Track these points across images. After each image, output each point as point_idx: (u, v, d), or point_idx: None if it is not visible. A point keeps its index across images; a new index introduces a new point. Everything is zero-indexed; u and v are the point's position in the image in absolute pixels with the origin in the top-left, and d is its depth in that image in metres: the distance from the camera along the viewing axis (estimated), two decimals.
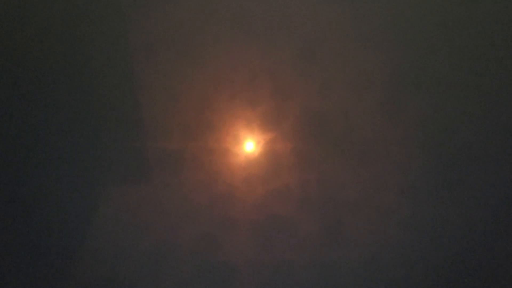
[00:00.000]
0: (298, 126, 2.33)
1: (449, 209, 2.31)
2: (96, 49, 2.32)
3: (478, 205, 2.31)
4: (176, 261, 2.30)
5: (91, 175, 2.29)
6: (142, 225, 2.30)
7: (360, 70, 2.31)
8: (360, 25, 2.28)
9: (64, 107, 2.30)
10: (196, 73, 2.32)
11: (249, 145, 2.33)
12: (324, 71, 2.32)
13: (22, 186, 2.28)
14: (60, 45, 2.32)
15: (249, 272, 2.27)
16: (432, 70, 2.30)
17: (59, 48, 2.32)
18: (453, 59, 2.30)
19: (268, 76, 2.32)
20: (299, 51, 2.31)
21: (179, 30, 2.32)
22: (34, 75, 2.31)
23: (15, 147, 2.29)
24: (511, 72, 2.32)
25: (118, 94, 2.31)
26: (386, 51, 2.30)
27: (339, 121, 2.32)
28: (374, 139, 2.32)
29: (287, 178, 2.32)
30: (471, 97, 2.30)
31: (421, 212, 2.31)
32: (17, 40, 2.30)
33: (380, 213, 2.32)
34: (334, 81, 2.32)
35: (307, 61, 2.31)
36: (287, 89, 2.32)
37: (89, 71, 2.32)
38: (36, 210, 2.28)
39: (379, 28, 2.29)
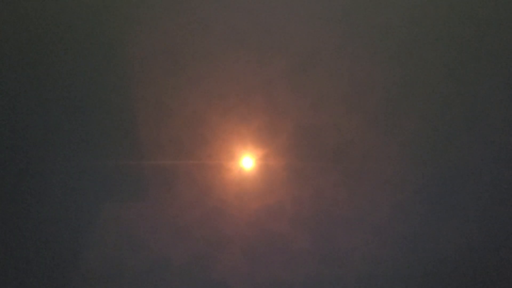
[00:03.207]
0: (291, 141, 2.31)
1: (444, 226, 2.29)
2: (88, 64, 2.30)
3: (474, 222, 2.30)
4: (168, 278, 2.28)
5: (81, 192, 2.27)
6: (134, 242, 2.28)
7: (353, 85, 2.29)
8: (354, 41, 2.26)
9: (51, 123, 2.28)
10: (189, 89, 2.30)
11: (242, 160, 2.32)
12: (317, 86, 2.30)
13: (11, 204, 2.27)
14: (51, 59, 2.30)
15: None
16: (426, 86, 2.28)
17: (50, 62, 2.30)
18: (448, 75, 2.28)
19: (261, 91, 2.30)
20: (292, 67, 2.29)
21: (172, 45, 2.29)
22: (25, 92, 2.29)
23: (4, 167, 2.28)
24: (507, 87, 2.30)
25: (109, 110, 2.29)
26: (380, 67, 2.28)
27: (333, 137, 2.30)
28: (368, 155, 2.31)
29: (280, 194, 2.31)
30: (467, 113, 2.28)
31: (415, 228, 2.30)
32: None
33: (374, 229, 2.30)
34: (327, 96, 2.30)
35: (300, 77, 2.29)
36: (280, 104, 2.30)
37: (80, 86, 2.29)
38: (26, 228, 2.26)
39: (372, 44, 2.27)
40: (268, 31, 2.29)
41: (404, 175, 2.30)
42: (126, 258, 2.29)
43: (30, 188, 2.26)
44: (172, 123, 2.29)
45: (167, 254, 2.29)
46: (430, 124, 2.30)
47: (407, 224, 2.30)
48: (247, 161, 2.32)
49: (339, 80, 2.31)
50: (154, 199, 2.30)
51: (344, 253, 2.29)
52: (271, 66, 2.30)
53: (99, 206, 2.29)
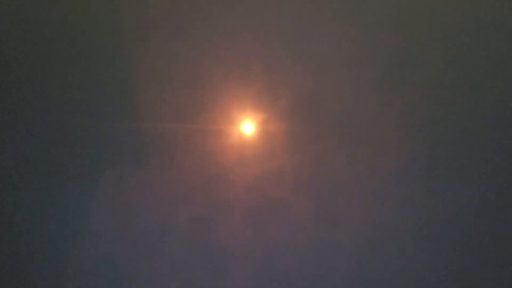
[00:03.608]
0: (291, 106, 2.30)
1: (443, 191, 2.30)
2: (87, 28, 2.28)
3: (473, 187, 2.30)
4: (170, 243, 2.30)
5: (82, 157, 2.27)
6: (134, 208, 2.29)
7: (355, 50, 2.27)
8: (355, 4, 2.23)
9: (52, 88, 2.27)
10: (188, 53, 2.28)
11: (242, 126, 2.31)
12: (318, 51, 2.28)
13: (13, 162, 2.27)
14: (50, 26, 2.27)
15: (242, 253, 2.28)
16: (427, 52, 2.27)
17: (50, 30, 2.27)
18: (448, 41, 2.26)
19: (261, 55, 2.28)
20: (292, 31, 2.27)
21: (171, 9, 2.27)
22: (25, 56, 2.27)
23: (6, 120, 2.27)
24: (509, 50, 2.29)
25: (109, 76, 2.28)
26: (381, 31, 2.25)
27: (333, 102, 2.29)
28: (368, 121, 2.30)
29: (280, 160, 2.31)
30: (466, 79, 2.27)
31: (415, 194, 2.30)
32: None
33: (374, 195, 2.31)
34: (328, 61, 2.28)
35: (301, 41, 2.27)
36: (280, 69, 2.28)
37: (79, 52, 2.27)
38: (26, 192, 2.27)
39: (374, 7, 2.24)
40: None
41: (404, 140, 2.30)
42: (126, 224, 2.30)
43: (28, 153, 2.26)
44: (171, 88, 2.28)
45: (168, 220, 2.30)
46: (430, 90, 2.29)
47: (406, 189, 2.30)
48: (247, 126, 2.31)
49: (340, 44, 2.29)
50: (154, 164, 2.30)
51: (344, 217, 2.30)
52: (271, 30, 2.28)
53: (99, 172, 2.29)
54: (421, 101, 2.30)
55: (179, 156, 2.30)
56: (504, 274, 2.28)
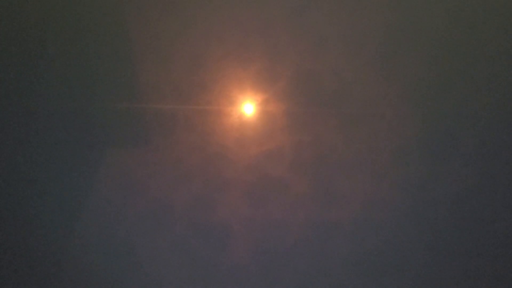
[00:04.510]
0: (291, 86, 2.30)
1: (443, 170, 2.31)
2: (86, 10, 2.28)
3: (473, 167, 2.31)
4: (170, 221, 2.33)
5: (82, 137, 2.29)
6: (135, 186, 2.32)
7: (353, 29, 2.26)
8: None
9: (51, 70, 2.28)
10: (187, 33, 2.28)
11: (241, 106, 2.32)
12: (317, 30, 2.27)
13: (14, 148, 2.29)
14: (49, 8, 2.27)
15: (242, 231, 2.31)
16: (427, 29, 2.25)
17: (49, 12, 2.27)
18: (450, 17, 2.24)
19: (260, 35, 2.28)
20: (291, 10, 2.26)
21: None
22: (26, 38, 2.28)
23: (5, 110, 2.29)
24: (508, 30, 2.27)
25: (108, 55, 2.29)
26: (380, 9, 2.24)
27: (332, 81, 2.29)
28: (367, 99, 2.30)
29: (279, 139, 2.32)
30: (467, 56, 2.26)
31: (414, 172, 2.31)
32: None
33: (373, 174, 2.32)
34: (327, 40, 2.27)
35: (300, 20, 2.26)
36: (279, 48, 2.28)
37: (78, 32, 2.28)
38: (28, 173, 2.30)
39: None
40: None
41: (403, 119, 2.30)
42: (127, 203, 2.33)
43: (30, 134, 2.28)
44: (170, 68, 2.28)
45: (168, 198, 2.33)
46: (431, 68, 2.29)
47: (406, 168, 2.31)
48: (246, 107, 2.32)
49: (338, 24, 2.28)
50: (154, 144, 2.32)
51: (343, 197, 2.32)
52: (270, 9, 2.27)
53: (100, 152, 2.31)
54: (420, 79, 2.30)
55: (179, 136, 2.32)
56: (501, 255, 2.29)
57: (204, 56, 2.29)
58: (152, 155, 2.33)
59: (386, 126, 2.31)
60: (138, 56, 2.28)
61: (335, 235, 2.32)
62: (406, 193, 2.33)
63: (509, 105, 2.29)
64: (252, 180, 2.33)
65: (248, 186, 2.33)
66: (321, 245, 2.32)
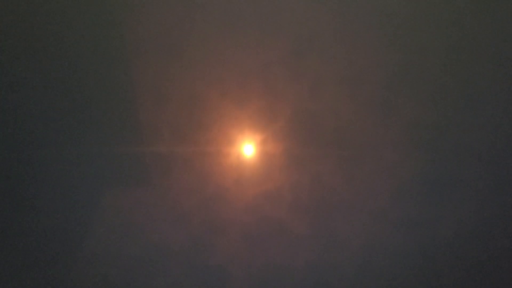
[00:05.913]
0: (289, 126, 2.30)
1: (442, 211, 2.29)
2: (86, 51, 2.28)
3: (472, 206, 2.29)
4: (167, 264, 2.29)
5: (79, 178, 2.26)
6: (132, 228, 2.28)
7: (351, 69, 2.27)
8: (352, 24, 2.23)
9: (51, 109, 2.26)
10: (186, 73, 2.28)
11: (240, 146, 2.31)
12: (315, 70, 2.27)
13: (14, 189, 2.26)
14: (49, 47, 2.27)
15: (240, 275, 2.26)
16: (424, 70, 2.26)
17: (49, 50, 2.27)
18: (446, 59, 2.26)
19: (258, 76, 2.28)
20: (290, 50, 2.26)
21: (168, 29, 2.26)
22: (26, 79, 2.27)
23: (8, 152, 2.27)
24: (505, 73, 2.28)
25: (106, 96, 2.27)
26: (378, 51, 2.25)
27: (331, 122, 2.29)
28: (366, 140, 2.29)
29: (278, 180, 2.30)
30: (464, 98, 2.27)
31: (414, 213, 2.29)
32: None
33: (373, 215, 2.30)
34: (325, 80, 2.28)
35: (298, 60, 2.27)
36: (278, 89, 2.28)
37: (78, 72, 2.27)
38: (27, 213, 2.26)
39: (371, 27, 2.24)
40: (265, 15, 2.26)
41: (402, 160, 2.29)
42: (125, 245, 2.29)
43: (30, 176, 2.26)
44: (169, 108, 2.27)
45: (166, 240, 2.29)
46: (428, 109, 2.29)
47: (405, 210, 2.29)
48: (245, 147, 2.30)
49: (336, 64, 2.29)
50: (152, 185, 2.29)
51: (343, 238, 2.29)
52: (269, 50, 2.28)
53: (98, 193, 2.28)
54: (419, 121, 2.29)
55: (178, 177, 2.29)
56: None
57: (203, 96, 2.28)
58: (150, 196, 2.30)
59: (385, 166, 2.30)
60: (136, 97, 2.27)
61: (335, 277, 2.29)
62: (406, 234, 2.31)
63: (508, 145, 2.29)
64: (251, 221, 2.30)
65: (246, 227, 2.30)
66: (321, 287, 2.28)
